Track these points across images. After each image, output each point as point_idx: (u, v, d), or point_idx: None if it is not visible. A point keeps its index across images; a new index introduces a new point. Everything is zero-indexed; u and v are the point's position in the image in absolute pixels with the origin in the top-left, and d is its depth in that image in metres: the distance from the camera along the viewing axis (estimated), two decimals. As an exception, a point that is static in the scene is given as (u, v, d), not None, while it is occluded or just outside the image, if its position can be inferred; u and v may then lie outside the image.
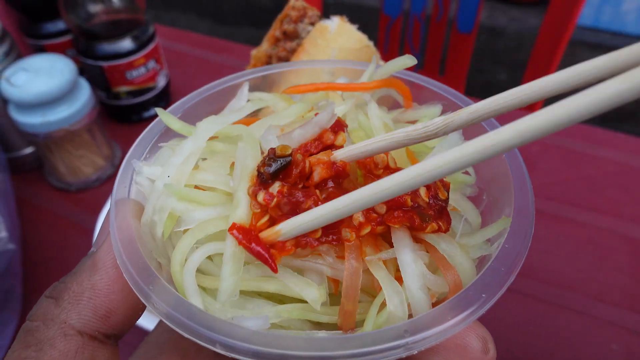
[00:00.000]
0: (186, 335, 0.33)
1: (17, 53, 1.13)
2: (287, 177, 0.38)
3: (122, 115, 1.36)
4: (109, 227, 0.39)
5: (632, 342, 0.88)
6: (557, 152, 1.21)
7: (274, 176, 0.38)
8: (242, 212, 0.38)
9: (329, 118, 0.41)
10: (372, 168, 0.40)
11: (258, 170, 0.38)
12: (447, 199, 0.39)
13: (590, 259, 1.00)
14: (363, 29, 0.83)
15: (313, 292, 0.36)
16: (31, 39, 1.31)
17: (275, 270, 0.36)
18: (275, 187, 0.38)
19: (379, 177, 0.40)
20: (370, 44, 0.81)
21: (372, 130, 0.45)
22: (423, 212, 0.37)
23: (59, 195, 1.20)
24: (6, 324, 0.90)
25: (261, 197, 0.37)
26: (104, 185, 1.21)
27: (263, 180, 0.38)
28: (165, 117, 0.44)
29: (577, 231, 1.05)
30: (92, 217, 1.12)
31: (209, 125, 0.42)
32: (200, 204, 0.40)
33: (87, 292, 0.38)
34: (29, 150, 1.22)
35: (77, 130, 1.10)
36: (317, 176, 0.38)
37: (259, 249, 0.36)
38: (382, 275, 0.36)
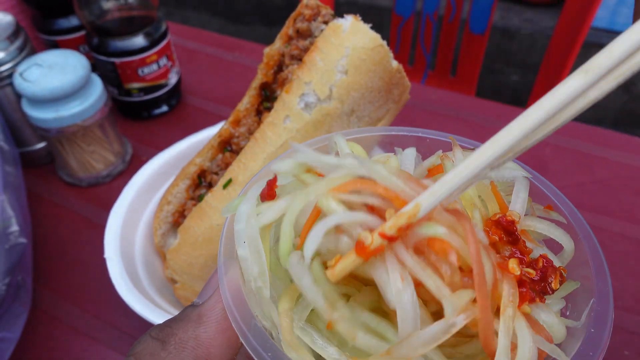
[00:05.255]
0: None
1: (31, 48, 1.14)
2: None
3: (133, 112, 1.36)
4: (218, 283, 0.42)
5: (645, 349, 0.87)
6: (570, 155, 1.20)
7: None
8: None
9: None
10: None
11: None
12: (556, 290, 0.40)
13: (603, 264, 0.99)
14: (374, 28, 0.83)
15: None
16: (44, 35, 1.32)
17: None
18: None
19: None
20: (384, 43, 0.81)
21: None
22: (533, 287, 0.38)
23: (70, 190, 1.21)
24: (17, 317, 0.91)
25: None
26: (114, 181, 1.22)
27: None
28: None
29: (590, 235, 1.04)
30: (102, 212, 1.12)
31: (256, 189, 0.43)
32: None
33: (191, 341, 0.41)
34: (41, 145, 1.23)
35: (89, 126, 1.11)
36: None
37: None
38: None
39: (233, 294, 0.40)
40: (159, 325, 0.43)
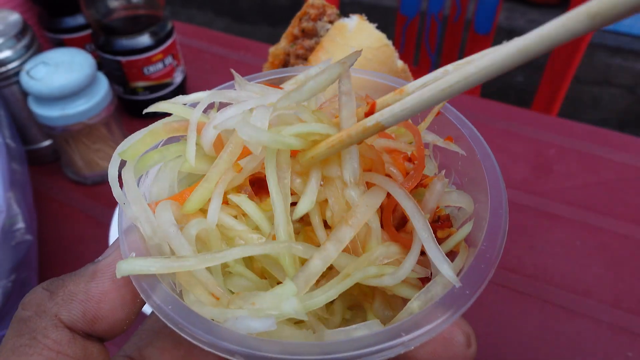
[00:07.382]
0: (183, 335, 0.36)
1: (37, 47, 1.15)
2: None
3: (138, 111, 1.37)
4: (119, 243, 0.42)
5: (648, 350, 0.86)
6: (575, 156, 1.20)
7: None
8: None
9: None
10: None
11: None
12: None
13: (607, 265, 0.99)
14: (379, 28, 0.83)
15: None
16: (51, 33, 1.32)
17: None
18: None
19: None
20: (389, 43, 0.81)
21: None
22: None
23: (75, 188, 1.21)
24: (22, 314, 0.91)
25: None
26: (120, 179, 1.22)
27: None
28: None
29: (594, 236, 1.03)
30: (107, 210, 1.13)
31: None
32: None
33: (81, 294, 0.40)
34: (46, 143, 1.24)
35: (94, 124, 1.11)
36: None
37: None
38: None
39: (134, 251, 0.40)
40: (53, 278, 0.42)
